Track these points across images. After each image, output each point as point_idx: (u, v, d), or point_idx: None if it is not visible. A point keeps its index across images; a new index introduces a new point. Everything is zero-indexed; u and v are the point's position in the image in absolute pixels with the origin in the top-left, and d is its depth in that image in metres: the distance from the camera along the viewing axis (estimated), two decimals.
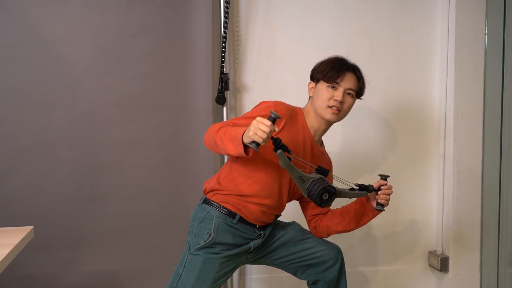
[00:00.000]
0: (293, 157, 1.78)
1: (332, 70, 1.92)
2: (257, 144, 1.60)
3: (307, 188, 1.74)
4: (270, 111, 1.64)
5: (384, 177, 1.95)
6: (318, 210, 2.08)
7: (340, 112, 1.93)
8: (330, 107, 1.91)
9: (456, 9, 2.76)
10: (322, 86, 1.93)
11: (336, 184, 1.89)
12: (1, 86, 2.44)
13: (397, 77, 2.88)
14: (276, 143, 1.67)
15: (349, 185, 1.92)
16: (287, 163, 1.70)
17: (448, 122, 2.85)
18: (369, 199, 2.00)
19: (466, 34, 2.77)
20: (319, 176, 1.77)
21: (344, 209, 2.06)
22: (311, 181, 1.74)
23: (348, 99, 1.94)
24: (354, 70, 1.96)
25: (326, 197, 1.74)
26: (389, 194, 1.95)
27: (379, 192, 1.94)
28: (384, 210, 1.97)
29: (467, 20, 2.77)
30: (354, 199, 2.04)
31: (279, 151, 1.68)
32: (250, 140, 1.60)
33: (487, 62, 2.80)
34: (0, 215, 2.44)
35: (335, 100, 1.90)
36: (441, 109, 2.88)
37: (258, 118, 1.60)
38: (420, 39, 2.89)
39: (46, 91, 2.48)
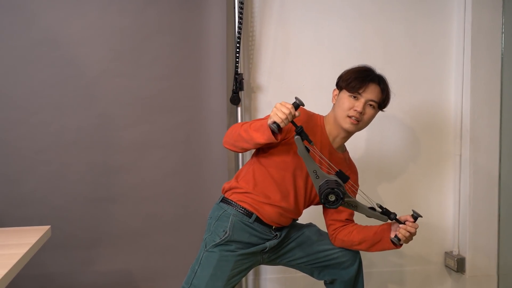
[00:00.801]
0: (313, 150, 1.77)
1: (356, 80, 1.90)
2: (278, 126, 1.64)
3: (320, 186, 1.73)
4: (295, 97, 1.67)
5: (416, 215, 1.87)
6: (338, 216, 2.05)
7: (360, 122, 1.91)
8: (349, 117, 1.90)
9: (473, 8, 2.73)
10: (345, 95, 1.92)
11: (360, 200, 1.85)
12: (18, 88, 2.46)
13: (413, 77, 2.86)
14: (297, 129, 1.69)
15: (372, 204, 1.88)
16: (303, 152, 1.70)
17: (465, 122, 2.82)
18: (390, 228, 1.95)
19: (482, 33, 2.75)
20: (335, 178, 1.75)
21: (365, 228, 2.01)
22: (326, 180, 1.73)
23: (369, 110, 1.92)
24: (379, 81, 1.94)
25: (333, 198, 1.71)
26: (411, 233, 1.87)
27: (400, 225, 1.88)
28: (399, 245, 1.92)
29: (484, 19, 2.74)
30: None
31: (296, 137, 1.68)
32: (271, 121, 1.65)
33: (504, 61, 2.77)
34: (17, 215, 2.46)
35: (355, 110, 1.88)
36: (457, 109, 2.86)
37: (282, 102, 1.66)
38: (436, 38, 2.86)
39: (62, 92, 2.50)
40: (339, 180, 1.75)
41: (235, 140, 1.82)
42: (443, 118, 2.90)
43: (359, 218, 2.05)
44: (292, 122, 1.67)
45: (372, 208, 1.87)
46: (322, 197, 1.71)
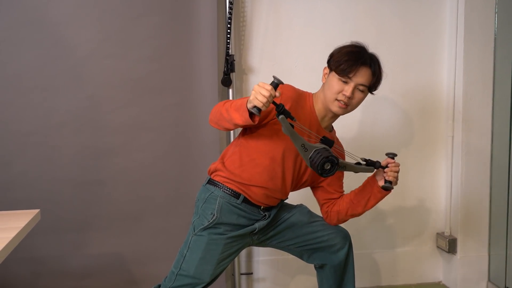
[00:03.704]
0: (296, 125, 1.75)
1: (346, 63, 1.84)
2: (258, 109, 1.60)
3: (310, 157, 1.72)
4: (273, 76, 1.64)
5: (392, 155, 1.91)
6: (330, 194, 2.06)
7: (348, 106, 1.88)
8: (338, 100, 1.87)
9: None
10: (334, 77, 1.87)
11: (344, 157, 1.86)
12: (5, 70, 2.43)
13: (405, 58, 2.84)
14: (279, 108, 1.66)
15: (356, 159, 1.89)
16: (289, 130, 1.68)
17: (457, 103, 2.81)
18: (376, 180, 1.95)
19: (475, 13, 2.73)
20: (323, 146, 1.74)
21: (352, 192, 2.03)
22: (314, 150, 1.71)
23: (358, 94, 1.88)
24: (371, 63, 1.88)
25: (328, 167, 1.71)
26: (397, 172, 1.90)
27: (385, 169, 1.90)
28: (392, 188, 1.92)
29: None
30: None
31: (281, 116, 1.66)
32: (252, 105, 1.61)
33: (497, 41, 2.76)
34: (7, 199, 2.45)
35: (344, 95, 1.85)
36: (450, 90, 2.85)
37: (260, 83, 1.61)
38: (428, 19, 2.84)
39: (50, 74, 2.47)
40: (327, 147, 1.75)
41: (218, 119, 1.80)
42: (436, 99, 2.89)
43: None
44: (273, 102, 1.64)
45: (358, 163, 1.89)
46: (318, 169, 1.70)
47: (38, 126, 2.48)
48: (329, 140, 1.77)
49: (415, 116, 2.90)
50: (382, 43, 2.78)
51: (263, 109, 1.60)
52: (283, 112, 1.67)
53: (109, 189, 2.57)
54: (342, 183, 2.09)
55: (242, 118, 1.67)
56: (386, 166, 1.91)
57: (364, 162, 1.89)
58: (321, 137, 1.78)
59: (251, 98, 1.60)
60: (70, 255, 2.59)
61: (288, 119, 1.68)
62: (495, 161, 2.83)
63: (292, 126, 1.70)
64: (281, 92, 1.69)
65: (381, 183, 1.93)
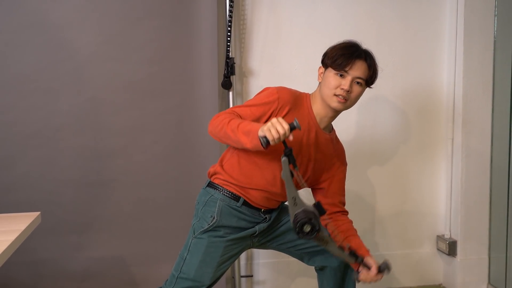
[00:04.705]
0: (296, 176, 1.73)
1: (342, 57, 1.84)
2: (267, 141, 1.58)
3: (296, 214, 1.68)
4: (295, 119, 1.63)
5: (383, 267, 1.85)
6: (330, 200, 2.03)
7: (347, 101, 1.87)
8: (336, 95, 1.85)
9: None
10: (330, 73, 1.87)
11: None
12: (7, 72, 2.44)
13: (405, 60, 2.85)
14: (286, 151, 1.65)
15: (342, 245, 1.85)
16: (287, 177, 1.67)
17: (457, 105, 2.81)
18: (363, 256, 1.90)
19: (475, 15, 2.73)
20: (313, 209, 1.70)
21: (352, 235, 1.99)
22: (303, 209, 1.68)
23: (356, 88, 1.87)
24: (366, 57, 1.88)
25: (308, 229, 1.67)
26: (369, 281, 1.86)
27: (363, 272, 1.86)
28: (357, 282, 1.92)
29: (476, 1, 2.73)
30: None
31: (284, 158, 1.65)
32: (263, 134, 1.59)
33: (497, 44, 2.76)
34: (8, 201, 2.45)
35: (342, 89, 1.84)
36: (450, 92, 2.85)
37: (279, 119, 1.59)
38: (428, 21, 2.84)
39: (51, 77, 2.47)
40: (317, 212, 1.70)
41: (222, 136, 1.77)
42: (435, 101, 2.90)
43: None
44: (284, 142, 1.62)
45: (341, 247, 1.83)
46: (297, 226, 1.67)
47: (40, 128, 2.49)
48: (322, 208, 1.72)
49: (414, 118, 2.90)
50: (382, 45, 2.79)
51: (272, 143, 1.58)
52: (288, 156, 1.65)
53: (110, 191, 2.58)
54: (344, 191, 2.06)
55: (251, 144, 1.65)
56: (368, 266, 1.85)
57: (348, 251, 1.83)
58: (316, 202, 1.74)
59: (264, 128, 1.58)
60: (71, 257, 2.59)
61: (291, 165, 1.66)
62: (495, 163, 2.83)
63: (292, 175, 1.68)
64: (280, 98, 1.69)
65: (355, 267, 1.90)
